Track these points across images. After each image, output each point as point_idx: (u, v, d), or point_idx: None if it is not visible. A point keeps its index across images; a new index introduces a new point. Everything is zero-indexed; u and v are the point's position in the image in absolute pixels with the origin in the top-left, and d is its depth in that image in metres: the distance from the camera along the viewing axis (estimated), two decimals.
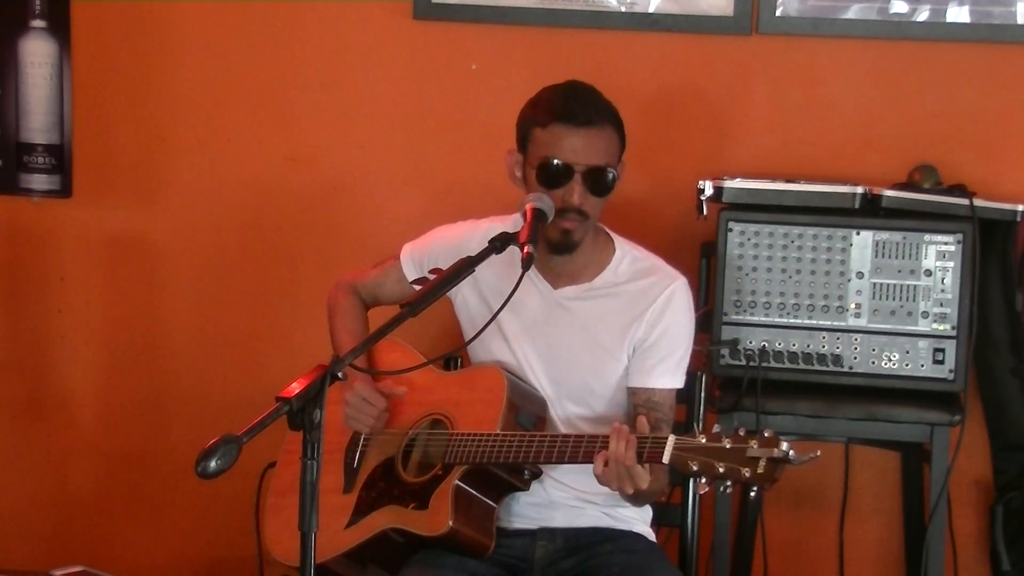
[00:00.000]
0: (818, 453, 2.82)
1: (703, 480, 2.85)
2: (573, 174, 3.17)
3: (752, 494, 2.82)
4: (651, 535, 3.40)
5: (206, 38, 4.33)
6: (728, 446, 2.82)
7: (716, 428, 2.87)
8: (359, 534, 3.26)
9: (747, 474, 2.80)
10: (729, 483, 2.83)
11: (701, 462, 2.84)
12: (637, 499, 3.18)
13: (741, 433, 2.84)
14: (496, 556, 3.23)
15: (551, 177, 3.18)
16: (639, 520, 3.38)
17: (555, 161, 3.18)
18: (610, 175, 3.20)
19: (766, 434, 2.81)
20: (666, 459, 2.89)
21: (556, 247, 3.23)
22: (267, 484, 3.51)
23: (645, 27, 4.11)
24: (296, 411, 2.63)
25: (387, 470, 3.29)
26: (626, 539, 3.31)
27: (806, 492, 4.19)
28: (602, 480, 3.00)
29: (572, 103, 3.21)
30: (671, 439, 2.89)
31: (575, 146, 3.17)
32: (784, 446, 2.79)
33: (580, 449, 3.05)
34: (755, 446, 2.80)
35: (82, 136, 4.36)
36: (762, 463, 2.79)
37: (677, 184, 4.05)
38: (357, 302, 3.54)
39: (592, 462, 3.01)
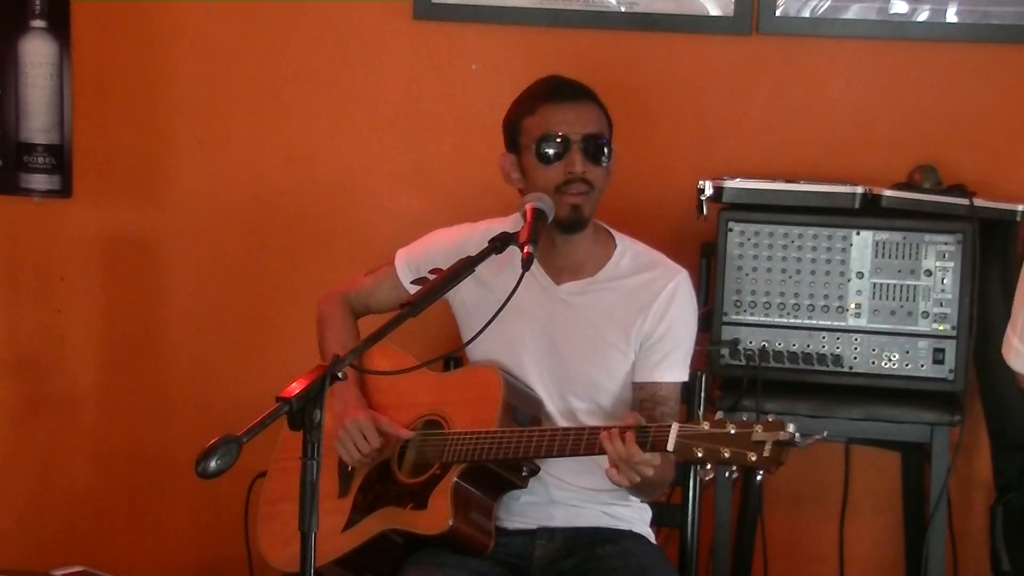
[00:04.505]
0: (825, 434, 2.83)
1: (708, 466, 2.85)
2: (571, 144, 3.24)
3: (758, 478, 2.82)
4: (651, 535, 3.40)
5: (206, 38, 4.33)
6: (733, 431, 2.83)
7: (719, 415, 2.88)
8: (357, 537, 3.26)
9: (753, 458, 2.80)
10: (734, 468, 2.83)
11: (706, 448, 2.85)
12: (645, 490, 3.19)
13: (744, 419, 2.85)
14: (496, 555, 3.23)
15: (551, 151, 3.25)
16: (639, 520, 3.38)
17: (551, 134, 3.25)
18: (605, 142, 3.27)
19: (770, 418, 2.82)
20: (671, 447, 2.89)
21: (566, 225, 3.26)
22: (257, 494, 3.51)
23: (645, 27, 4.11)
24: (296, 411, 2.62)
25: (383, 472, 3.29)
26: (626, 540, 3.31)
27: (806, 492, 4.19)
28: (615, 480, 3.01)
29: (553, 83, 3.33)
30: (675, 427, 2.90)
31: (567, 118, 3.26)
32: (790, 428, 2.79)
33: (581, 442, 3.06)
34: (760, 430, 2.80)
35: (82, 136, 4.36)
36: (768, 447, 2.79)
37: (677, 184, 4.05)
38: (347, 313, 3.53)
39: (590, 453, 3.03)
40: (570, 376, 3.30)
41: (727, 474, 2.84)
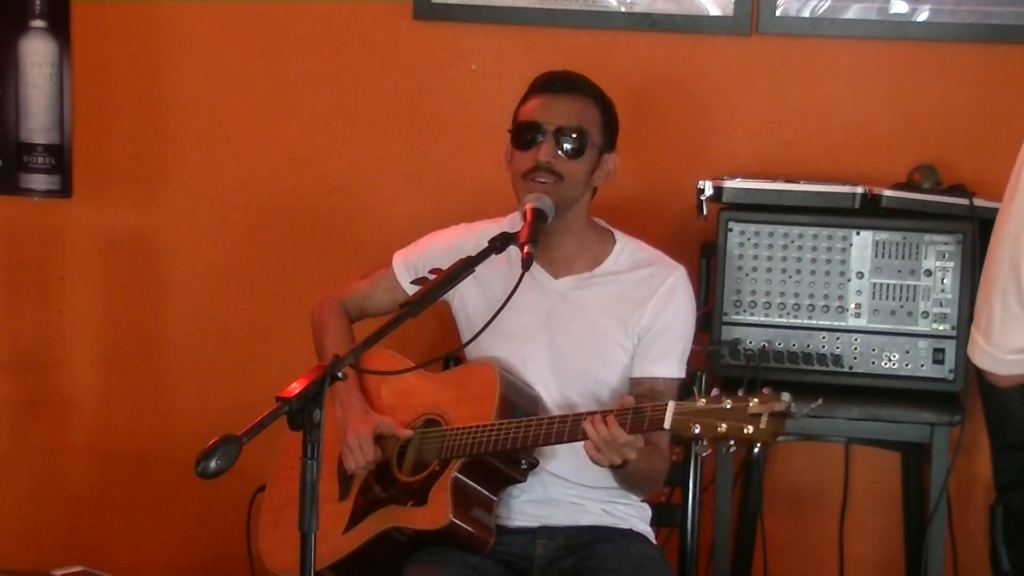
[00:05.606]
0: (819, 401, 2.83)
1: (704, 442, 2.85)
2: (543, 132, 3.26)
3: (756, 451, 2.81)
4: (651, 534, 3.40)
5: (206, 38, 4.33)
6: (729, 406, 2.83)
7: (715, 391, 2.88)
8: (359, 537, 3.25)
9: (750, 431, 2.80)
10: (732, 443, 2.82)
11: (703, 424, 2.85)
12: (633, 481, 3.19)
13: (740, 393, 2.84)
14: (497, 553, 3.23)
15: (522, 137, 3.28)
16: (639, 519, 3.38)
17: (527, 122, 3.28)
18: (582, 137, 3.27)
19: (765, 391, 2.82)
20: (667, 424, 2.90)
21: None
22: (258, 505, 3.51)
23: (645, 27, 4.11)
24: (296, 411, 2.62)
25: (382, 473, 3.29)
26: (625, 540, 3.31)
27: (806, 492, 4.19)
28: (594, 458, 3.01)
29: (550, 76, 3.36)
30: (671, 404, 2.90)
31: (547, 108, 3.29)
32: (785, 398, 2.80)
33: (578, 428, 3.05)
34: (756, 403, 2.80)
35: (82, 136, 4.36)
36: (764, 419, 2.79)
37: (677, 184, 4.05)
38: (343, 317, 3.53)
39: (587, 439, 3.02)
40: (569, 370, 3.31)
41: (725, 450, 2.84)
